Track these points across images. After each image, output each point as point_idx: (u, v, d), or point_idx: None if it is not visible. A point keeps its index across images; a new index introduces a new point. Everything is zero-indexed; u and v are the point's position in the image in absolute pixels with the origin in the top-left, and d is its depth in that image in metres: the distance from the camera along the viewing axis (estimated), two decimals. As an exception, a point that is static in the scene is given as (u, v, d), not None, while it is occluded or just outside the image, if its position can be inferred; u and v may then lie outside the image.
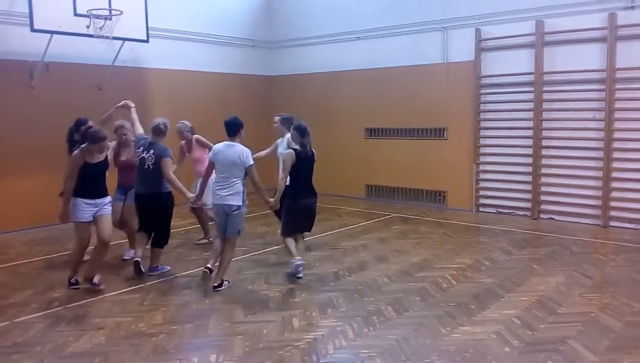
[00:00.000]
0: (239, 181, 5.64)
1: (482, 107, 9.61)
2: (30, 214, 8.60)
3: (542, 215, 9.06)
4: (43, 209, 8.61)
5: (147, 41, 9.14)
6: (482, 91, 9.56)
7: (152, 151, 5.94)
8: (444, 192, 10.21)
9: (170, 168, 5.91)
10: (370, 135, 11.14)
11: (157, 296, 5.48)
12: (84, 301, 5.33)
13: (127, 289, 5.49)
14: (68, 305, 5.22)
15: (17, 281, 6.03)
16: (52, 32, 8.01)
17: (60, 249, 7.34)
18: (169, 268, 6.32)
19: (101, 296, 5.43)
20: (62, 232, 8.12)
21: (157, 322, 4.80)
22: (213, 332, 4.61)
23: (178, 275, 6.15)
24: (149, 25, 9.06)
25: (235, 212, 5.62)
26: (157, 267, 6.17)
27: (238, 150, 5.62)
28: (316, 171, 6.11)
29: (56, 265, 6.64)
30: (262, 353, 4.17)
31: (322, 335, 4.49)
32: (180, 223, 8.37)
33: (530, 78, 8.94)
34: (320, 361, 4.06)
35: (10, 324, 4.78)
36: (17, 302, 5.35)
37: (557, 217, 8.89)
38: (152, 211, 6.01)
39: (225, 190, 5.59)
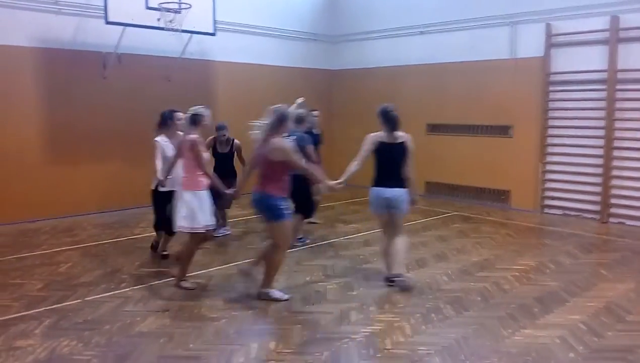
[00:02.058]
0: None
1: (551, 105, 9.27)
2: (101, 198, 9.00)
3: (611, 219, 8.66)
4: (113, 194, 9.05)
5: (214, 34, 9.34)
6: (551, 88, 9.22)
7: None
8: (507, 191, 9.94)
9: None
10: (432, 131, 10.98)
11: (220, 282, 5.64)
12: (150, 283, 5.55)
13: (191, 274, 5.65)
14: (135, 287, 5.45)
15: (88, 261, 6.34)
16: (125, 25, 8.31)
17: (128, 233, 7.66)
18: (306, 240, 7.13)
19: (166, 279, 5.63)
20: (130, 217, 8.50)
21: (219, 307, 4.94)
22: (272, 320, 4.69)
23: (239, 262, 6.28)
24: (216, 18, 9.27)
25: None
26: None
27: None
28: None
29: (125, 248, 6.94)
30: (319, 344, 4.21)
31: (380, 329, 4.49)
32: (240, 213, 8.54)
33: (603, 75, 8.55)
34: (377, 355, 4.06)
35: (81, 302, 5.04)
36: (87, 281, 5.63)
37: (627, 222, 8.48)
38: None
39: None
